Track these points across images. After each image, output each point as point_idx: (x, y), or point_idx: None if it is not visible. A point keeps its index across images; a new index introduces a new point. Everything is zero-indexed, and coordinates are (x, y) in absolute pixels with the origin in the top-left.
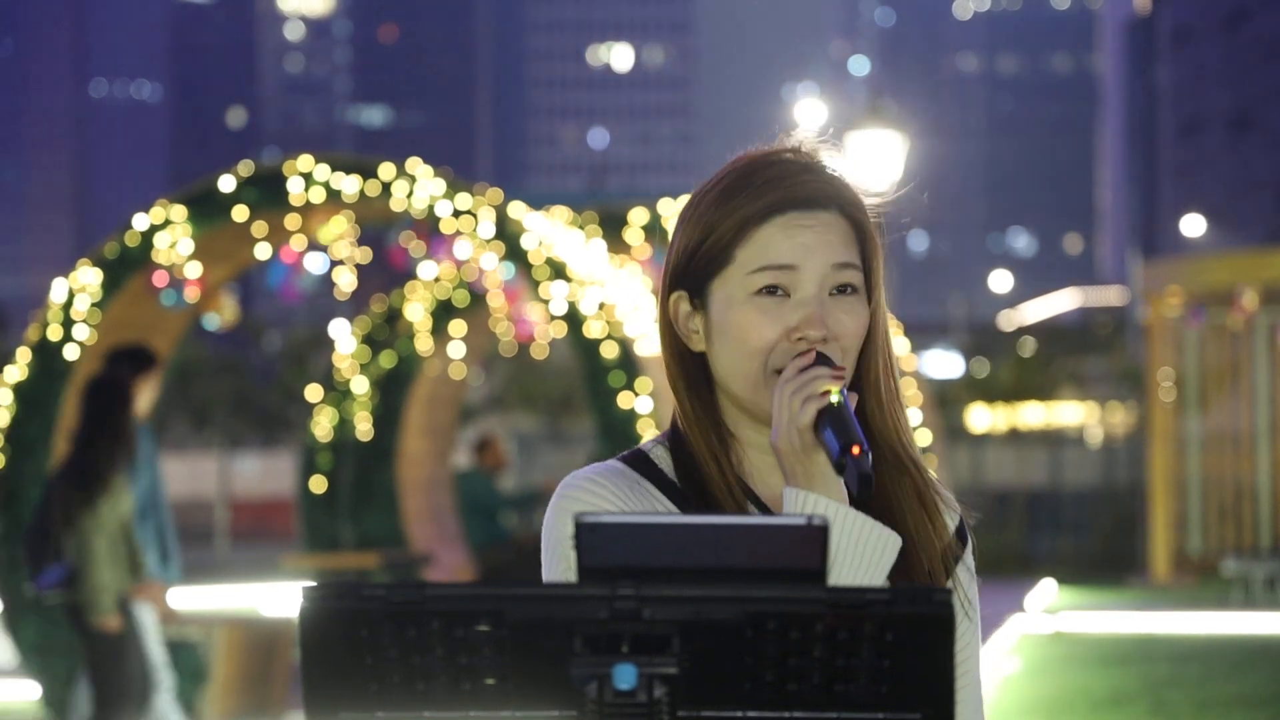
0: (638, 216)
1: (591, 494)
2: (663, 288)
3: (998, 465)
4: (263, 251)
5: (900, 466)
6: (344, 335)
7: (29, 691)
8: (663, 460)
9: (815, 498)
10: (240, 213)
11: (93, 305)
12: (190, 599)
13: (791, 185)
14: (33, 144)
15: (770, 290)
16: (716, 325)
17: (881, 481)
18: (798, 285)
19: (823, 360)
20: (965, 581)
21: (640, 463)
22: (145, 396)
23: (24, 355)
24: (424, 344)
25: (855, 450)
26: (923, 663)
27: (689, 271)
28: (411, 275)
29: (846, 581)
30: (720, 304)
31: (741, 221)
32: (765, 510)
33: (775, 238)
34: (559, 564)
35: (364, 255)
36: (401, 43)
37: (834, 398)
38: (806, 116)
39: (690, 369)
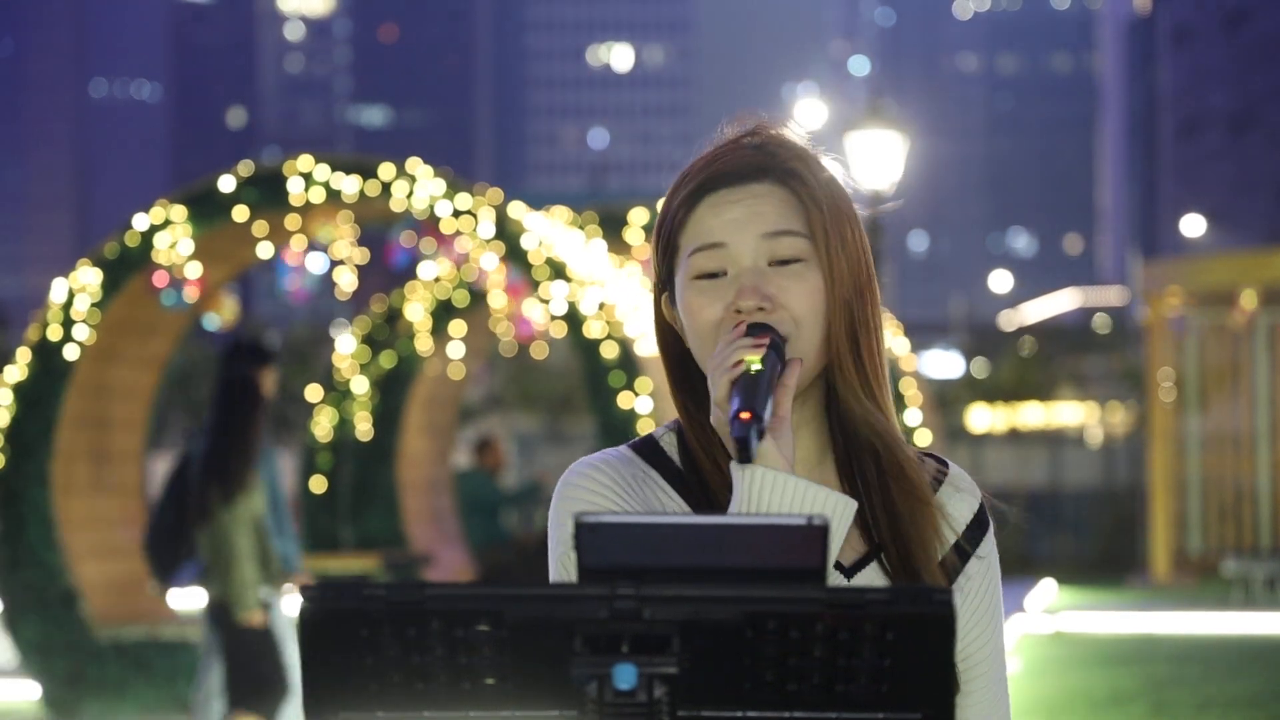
0: (638, 216)
1: (589, 490)
2: (654, 287)
3: (998, 465)
4: (263, 251)
5: (876, 449)
6: (344, 335)
7: (29, 691)
8: (672, 448)
9: (759, 471)
10: (240, 213)
11: (93, 305)
12: (190, 599)
13: (720, 163)
14: (33, 144)
15: (709, 273)
16: (680, 315)
17: (859, 466)
18: (732, 261)
19: (756, 330)
20: (978, 573)
21: (649, 450)
22: (265, 389)
23: (24, 355)
24: (424, 344)
25: (744, 415)
26: (923, 662)
27: (660, 267)
28: (411, 275)
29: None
30: (678, 293)
31: (678, 208)
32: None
33: (705, 218)
34: (558, 562)
35: (364, 255)
36: (401, 43)
37: (753, 366)
38: (806, 116)
39: (678, 365)
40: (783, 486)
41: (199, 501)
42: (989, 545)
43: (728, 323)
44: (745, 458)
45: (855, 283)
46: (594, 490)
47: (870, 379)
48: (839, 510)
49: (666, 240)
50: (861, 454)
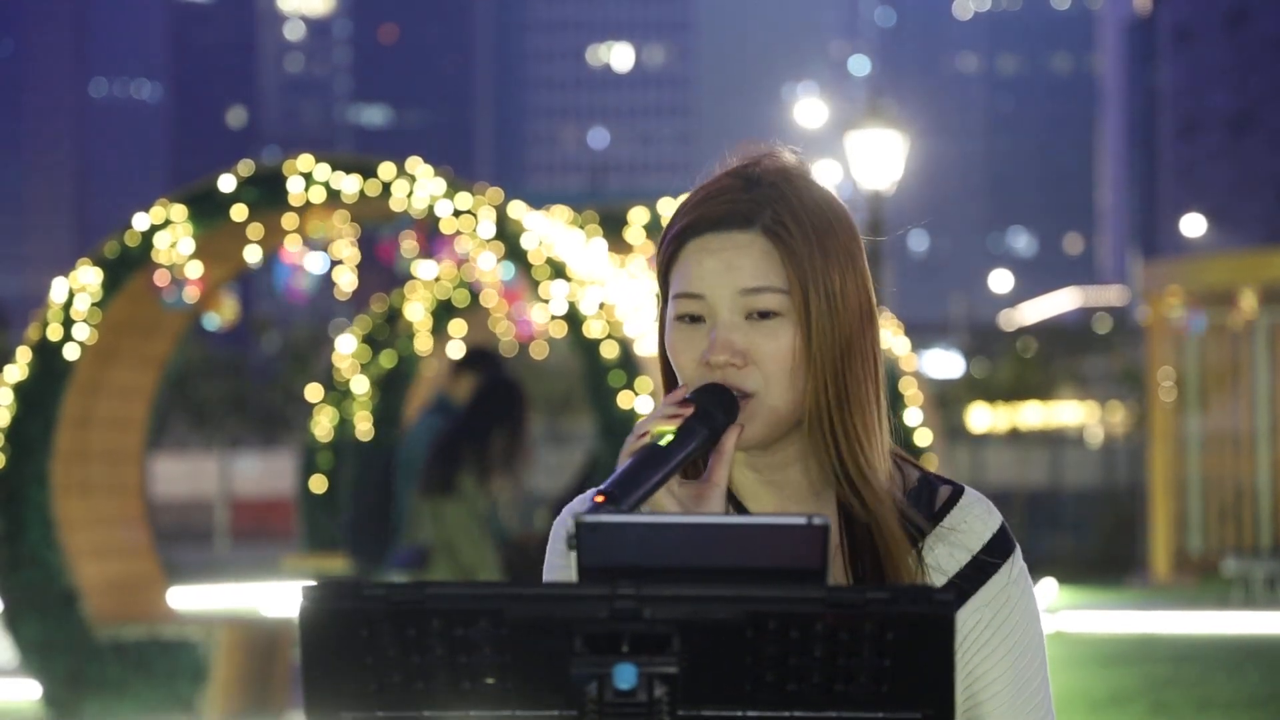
0: (638, 216)
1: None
2: (658, 297)
3: (998, 465)
4: (262, 251)
5: (864, 504)
6: (344, 335)
7: (29, 691)
8: None
9: None
10: (240, 212)
11: (93, 305)
12: (190, 599)
13: (709, 205)
14: (33, 144)
15: (691, 315)
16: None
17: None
18: (710, 311)
19: (709, 392)
20: (977, 613)
21: None
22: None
23: (24, 355)
24: (424, 344)
25: (598, 499)
26: (923, 662)
27: (660, 286)
28: (410, 275)
29: None
30: (666, 326)
31: (668, 245)
32: None
33: (688, 263)
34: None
35: (363, 255)
36: (401, 43)
37: (663, 439)
38: (806, 116)
39: (673, 380)
40: None
41: (440, 488)
42: (996, 585)
43: (701, 373)
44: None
45: (843, 335)
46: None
47: (856, 430)
48: None
49: (660, 269)
50: (848, 510)
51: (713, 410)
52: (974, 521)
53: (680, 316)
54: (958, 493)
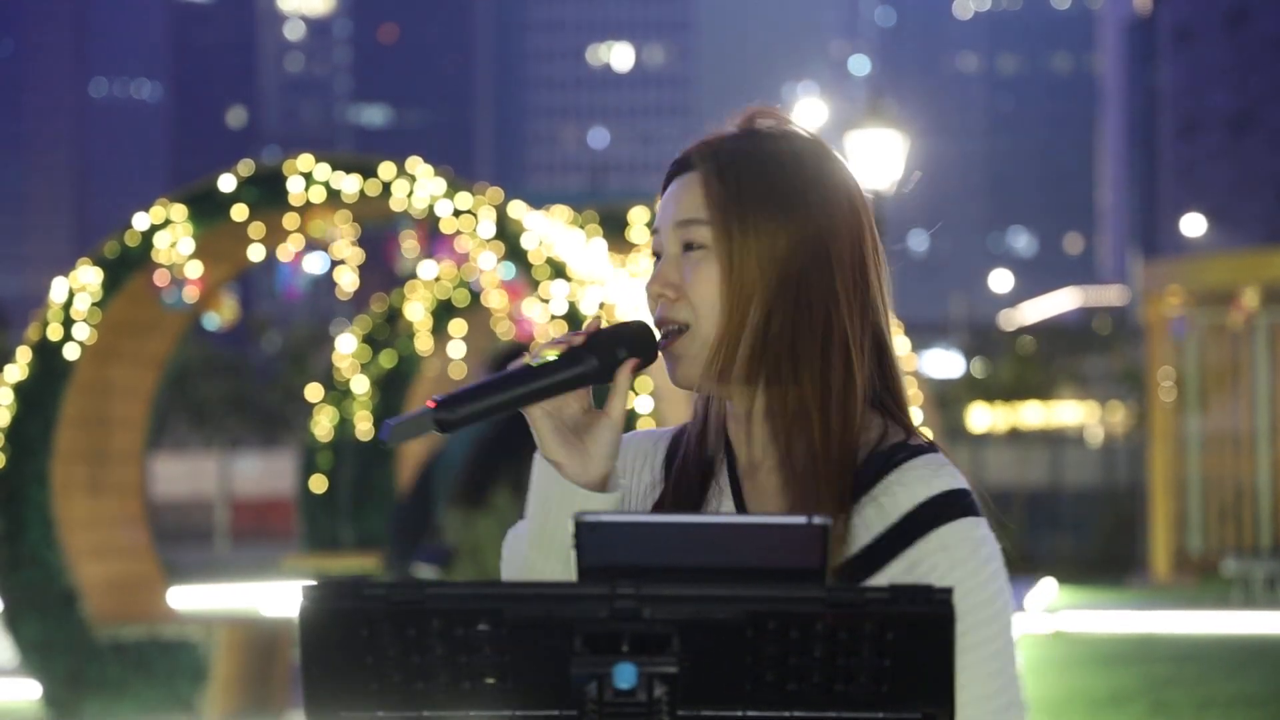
0: (638, 216)
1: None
2: None
3: (998, 465)
4: (262, 251)
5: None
6: (344, 335)
7: (29, 691)
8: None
9: (539, 459)
10: (240, 212)
11: (93, 305)
12: (190, 599)
13: (680, 154)
14: (33, 144)
15: (655, 256)
16: None
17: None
18: (663, 246)
19: (623, 327)
20: (902, 575)
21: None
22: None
23: (24, 355)
24: (424, 343)
25: (429, 403)
26: (923, 662)
27: None
28: (411, 275)
29: (536, 528)
30: None
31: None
32: (735, 477)
33: (660, 205)
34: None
35: (363, 255)
36: (401, 43)
37: (540, 360)
38: (806, 116)
39: None
40: (543, 475)
41: (477, 487)
42: (919, 552)
43: (649, 304)
44: (383, 433)
45: (776, 275)
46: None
47: (783, 374)
48: (586, 506)
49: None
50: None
51: (611, 343)
52: (908, 486)
53: (654, 256)
54: (907, 456)
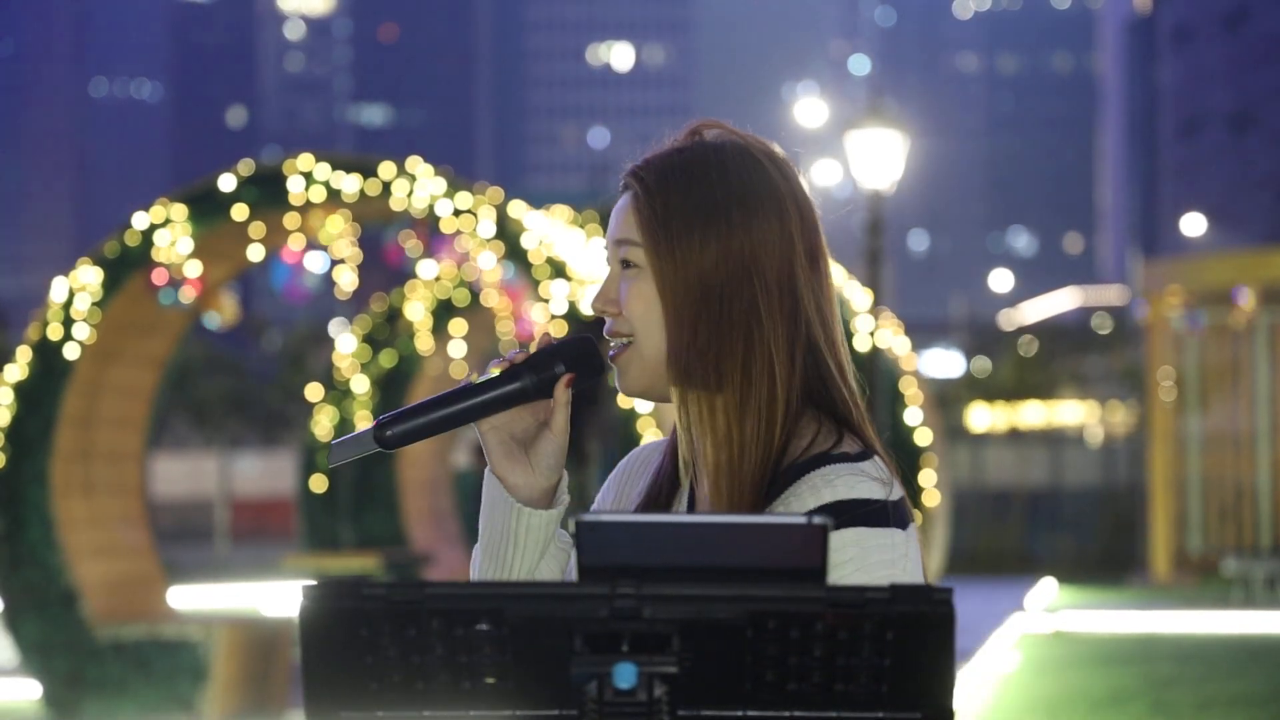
0: None
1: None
2: None
3: (998, 465)
4: (262, 251)
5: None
6: (344, 335)
7: (29, 691)
8: None
9: (487, 473)
10: (240, 212)
11: (93, 304)
12: (190, 599)
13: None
14: (33, 144)
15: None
16: None
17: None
18: (609, 262)
19: (568, 343)
20: None
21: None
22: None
23: (24, 354)
24: (424, 343)
25: (379, 419)
26: (923, 661)
27: None
28: (410, 274)
29: (485, 541)
30: None
31: None
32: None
33: None
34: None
35: (362, 255)
36: (401, 43)
37: (482, 378)
38: (806, 116)
39: None
40: (488, 490)
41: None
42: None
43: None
44: (330, 455)
45: (700, 285)
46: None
47: (710, 380)
48: (527, 524)
49: None
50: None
51: (549, 360)
52: (801, 497)
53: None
54: (816, 465)
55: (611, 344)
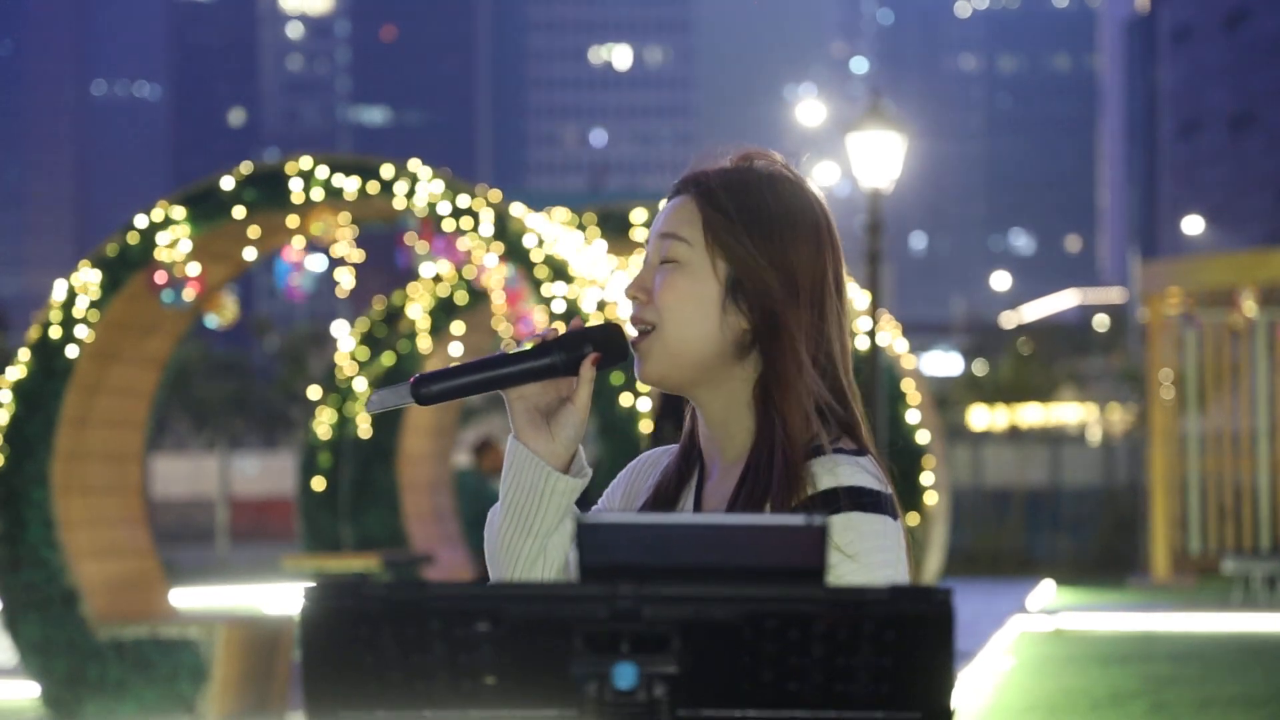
0: (638, 216)
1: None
2: None
3: (997, 465)
4: (264, 251)
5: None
6: (344, 335)
7: (29, 691)
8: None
9: (511, 442)
10: (240, 212)
11: (93, 305)
12: (190, 599)
13: (678, 177)
14: (33, 144)
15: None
16: None
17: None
18: (648, 254)
19: (598, 327)
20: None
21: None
22: None
23: (25, 355)
24: (424, 343)
25: (412, 379)
26: (923, 661)
27: None
28: (413, 275)
29: (508, 503)
30: None
31: None
32: (701, 475)
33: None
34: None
35: (364, 255)
36: (401, 43)
37: (515, 349)
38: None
39: None
40: (513, 453)
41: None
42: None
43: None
44: (369, 404)
45: (758, 304)
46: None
47: (783, 382)
48: (553, 487)
49: None
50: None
51: (579, 340)
52: (808, 478)
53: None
54: (810, 457)
55: (635, 330)
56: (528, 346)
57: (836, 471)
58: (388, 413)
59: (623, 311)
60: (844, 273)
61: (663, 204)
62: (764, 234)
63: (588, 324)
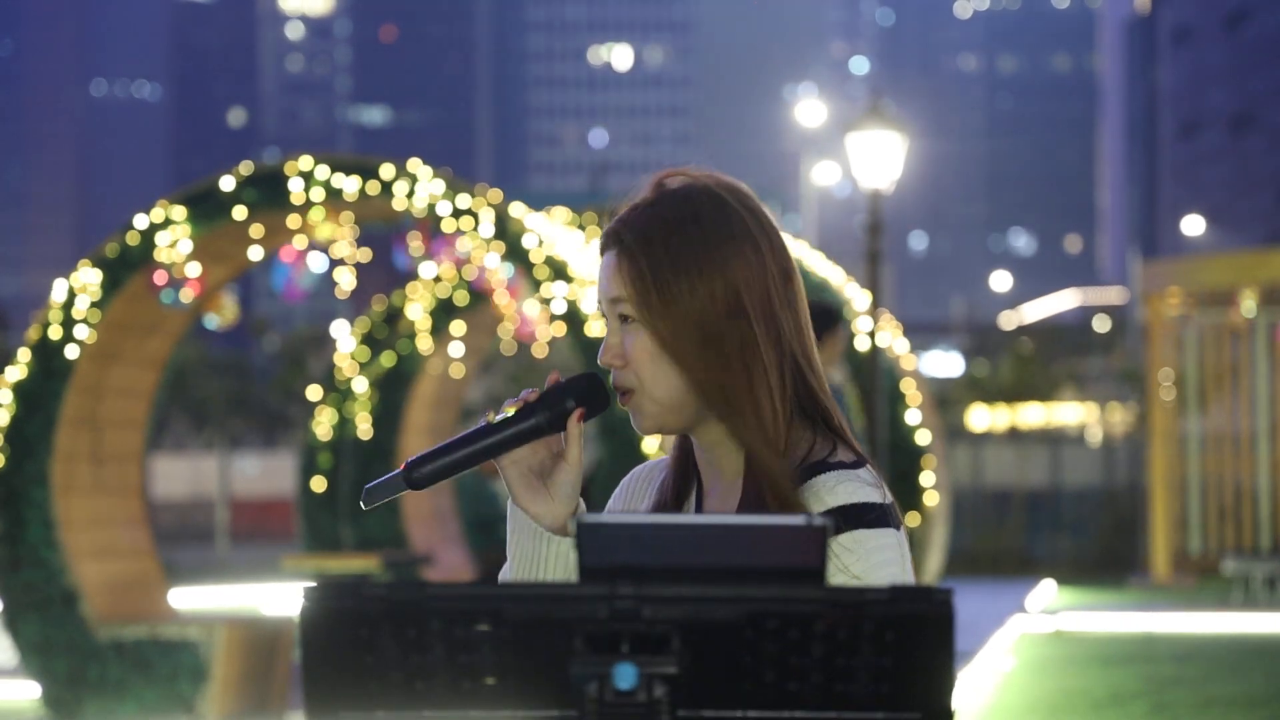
0: None
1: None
2: None
3: (997, 465)
4: (262, 252)
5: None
6: (344, 335)
7: (29, 691)
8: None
9: (509, 503)
10: (240, 213)
11: (93, 305)
12: (190, 599)
13: (603, 231)
14: (33, 144)
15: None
16: None
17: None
18: (606, 320)
19: (576, 380)
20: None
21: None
22: (825, 354)
23: (24, 355)
24: (424, 344)
25: (405, 463)
26: (922, 662)
27: None
28: (413, 275)
29: (514, 568)
30: None
31: None
32: (700, 497)
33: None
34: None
35: (364, 255)
36: (401, 43)
37: (498, 417)
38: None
39: None
40: (514, 519)
41: None
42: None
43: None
44: (364, 498)
45: (696, 328)
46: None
47: (732, 409)
48: (555, 551)
49: None
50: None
51: (561, 397)
52: (810, 499)
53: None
54: (818, 473)
55: (620, 393)
56: (509, 412)
57: (837, 490)
58: (388, 413)
59: None
60: (790, 261)
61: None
62: (696, 264)
63: (565, 379)
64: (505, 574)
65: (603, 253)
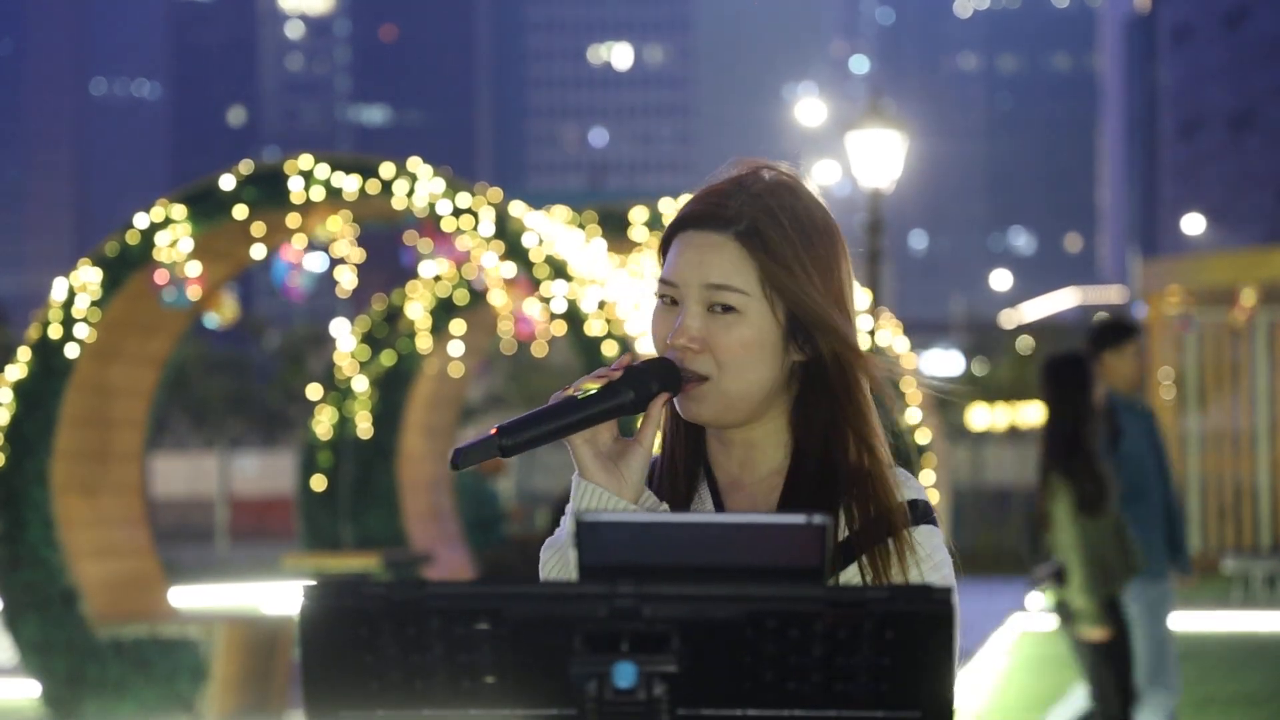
0: (638, 215)
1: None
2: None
3: (998, 464)
4: (262, 250)
5: (836, 482)
6: (344, 334)
7: (29, 691)
8: None
9: (577, 479)
10: (240, 211)
11: (93, 304)
12: (190, 598)
13: (695, 205)
14: (33, 143)
15: (665, 299)
16: None
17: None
18: (681, 298)
19: (655, 363)
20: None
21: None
22: (1119, 368)
23: (24, 354)
24: (424, 343)
25: (493, 430)
26: (922, 660)
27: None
28: (413, 274)
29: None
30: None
31: (665, 235)
32: (715, 491)
33: (673, 253)
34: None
35: (364, 255)
36: (401, 43)
37: (583, 393)
38: (806, 116)
39: None
40: (581, 490)
41: (1040, 495)
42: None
43: (665, 350)
44: (454, 459)
45: (803, 325)
46: None
47: (838, 421)
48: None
49: (660, 254)
50: (809, 472)
51: (645, 378)
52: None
53: (660, 298)
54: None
55: (686, 376)
56: (591, 389)
57: (901, 488)
58: (388, 412)
59: (622, 312)
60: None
61: (685, 237)
62: (812, 259)
63: (645, 359)
64: (546, 550)
65: (692, 228)
